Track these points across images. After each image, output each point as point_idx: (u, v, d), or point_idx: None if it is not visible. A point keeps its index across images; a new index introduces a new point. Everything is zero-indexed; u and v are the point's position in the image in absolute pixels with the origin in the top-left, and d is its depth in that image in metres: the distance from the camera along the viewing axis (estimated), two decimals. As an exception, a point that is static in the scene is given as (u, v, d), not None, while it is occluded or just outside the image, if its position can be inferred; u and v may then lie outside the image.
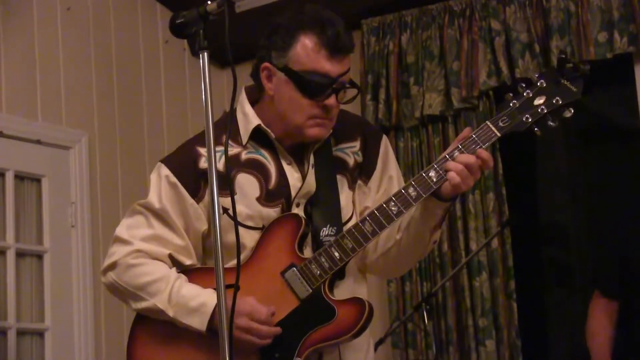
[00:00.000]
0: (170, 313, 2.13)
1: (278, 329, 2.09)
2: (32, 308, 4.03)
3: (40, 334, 4.03)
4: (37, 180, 4.13)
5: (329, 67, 2.09)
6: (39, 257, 4.09)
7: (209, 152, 1.82)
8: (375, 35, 4.46)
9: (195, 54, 1.90)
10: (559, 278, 4.41)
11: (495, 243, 4.09)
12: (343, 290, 2.16)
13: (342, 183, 2.22)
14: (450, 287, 4.17)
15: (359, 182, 2.24)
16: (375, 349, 3.64)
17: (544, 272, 4.44)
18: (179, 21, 1.90)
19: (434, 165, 2.07)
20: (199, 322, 2.10)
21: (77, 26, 4.37)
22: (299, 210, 2.17)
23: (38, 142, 4.11)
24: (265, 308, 2.08)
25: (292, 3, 4.56)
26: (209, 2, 1.86)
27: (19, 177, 4.07)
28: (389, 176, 2.28)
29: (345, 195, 2.21)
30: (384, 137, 2.32)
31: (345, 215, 2.20)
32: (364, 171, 2.25)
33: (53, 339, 4.03)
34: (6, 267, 3.93)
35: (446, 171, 2.04)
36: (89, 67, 4.40)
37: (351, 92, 2.18)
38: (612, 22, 3.94)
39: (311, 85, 2.09)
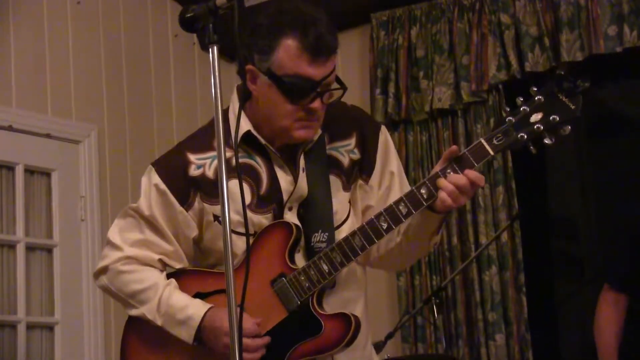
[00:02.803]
0: (159, 322, 2.15)
1: (266, 339, 2.09)
2: (42, 302, 4.05)
3: (50, 327, 4.05)
4: (46, 174, 4.14)
5: (312, 71, 2.03)
6: (49, 251, 4.10)
7: (218, 147, 1.80)
8: (385, 29, 4.46)
9: (204, 48, 1.91)
10: (569, 271, 4.40)
11: (504, 237, 4.09)
12: (334, 299, 2.15)
13: (336, 185, 2.18)
14: (459, 280, 4.17)
15: (360, 181, 2.21)
16: (385, 343, 3.65)
17: (553, 265, 4.43)
18: (188, 15, 1.89)
19: (425, 182, 2.02)
20: (187, 335, 2.11)
21: (86, 20, 4.38)
22: (291, 215, 2.15)
23: (48, 136, 4.12)
24: (251, 321, 2.07)
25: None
26: (219, -4, 1.86)
27: (29, 171, 4.08)
28: (389, 172, 2.23)
29: (339, 198, 2.18)
30: (383, 130, 2.26)
31: (338, 219, 2.17)
32: (363, 169, 2.21)
33: (63, 333, 4.05)
34: (16, 261, 3.95)
35: (437, 189, 2.00)
36: (99, 61, 4.41)
37: (336, 94, 2.12)
38: (622, 16, 3.93)
39: (294, 90, 2.04)
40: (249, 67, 2.10)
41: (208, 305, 2.12)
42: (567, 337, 4.33)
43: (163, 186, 2.19)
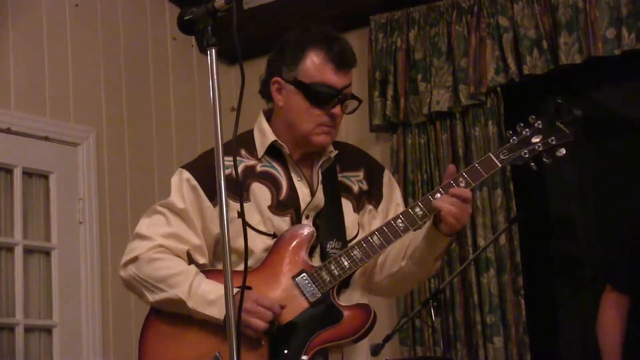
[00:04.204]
0: (190, 304, 2.24)
1: (278, 312, 2.20)
2: (40, 304, 4.04)
3: (48, 330, 4.04)
4: (45, 176, 4.14)
5: (335, 79, 2.29)
6: (47, 253, 4.10)
7: (217, 151, 1.86)
8: (383, 32, 4.46)
9: (203, 50, 1.94)
10: (568, 273, 4.40)
11: (503, 239, 4.09)
12: (346, 299, 2.31)
13: (347, 205, 2.38)
14: (458, 283, 4.17)
15: (369, 206, 2.41)
16: (383, 346, 3.64)
17: (552, 268, 4.43)
18: (187, 18, 1.92)
19: (439, 189, 2.25)
20: (217, 312, 2.20)
21: (85, 23, 4.38)
22: (308, 222, 2.33)
23: (46, 138, 4.12)
24: (272, 299, 2.21)
25: (298, 1, 4.60)
26: (217, -1, 1.87)
27: (27, 174, 4.08)
28: (396, 203, 2.46)
29: (350, 217, 2.37)
30: (386, 170, 2.51)
31: (350, 234, 2.36)
32: (372, 197, 2.42)
33: (61, 335, 4.04)
34: (14, 264, 3.94)
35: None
36: (97, 63, 4.41)
37: (352, 105, 2.37)
38: (621, 19, 3.93)
39: (319, 96, 2.28)
40: (276, 78, 2.33)
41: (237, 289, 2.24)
42: (565, 339, 4.33)
43: (194, 182, 2.34)
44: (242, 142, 2.33)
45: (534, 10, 4.12)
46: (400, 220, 2.25)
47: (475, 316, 4.12)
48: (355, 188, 2.40)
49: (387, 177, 2.49)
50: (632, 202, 3.61)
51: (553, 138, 2.25)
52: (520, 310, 4.07)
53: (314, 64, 2.29)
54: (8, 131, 3.98)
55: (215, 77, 1.86)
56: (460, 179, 2.24)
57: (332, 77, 2.29)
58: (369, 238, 2.25)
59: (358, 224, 2.39)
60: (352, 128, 4.61)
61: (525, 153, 2.26)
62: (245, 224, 1.96)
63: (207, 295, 2.23)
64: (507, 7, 4.17)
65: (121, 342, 4.17)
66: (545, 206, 4.43)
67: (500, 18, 4.19)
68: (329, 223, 2.33)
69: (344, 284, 2.31)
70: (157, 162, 4.55)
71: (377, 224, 2.36)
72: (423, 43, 4.37)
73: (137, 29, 4.65)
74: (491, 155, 2.27)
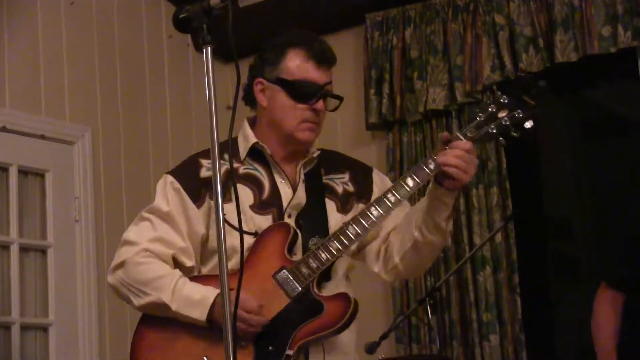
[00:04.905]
0: (174, 307, 2.27)
1: (266, 319, 2.23)
2: (36, 303, 4.04)
3: (44, 328, 4.04)
4: (40, 175, 4.14)
5: (317, 75, 2.34)
6: (43, 252, 4.10)
7: (212, 149, 1.86)
8: (379, 30, 4.46)
9: (199, 48, 1.94)
10: (563, 271, 4.41)
11: (499, 237, 4.09)
12: (329, 291, 2.32)
13: (330, 205, 2.40)
14: (454, 281, 4.18)
15: (360, 205, 2.40)
16: (379, 343, 3.65)
17: (547, 266, 4.44)
18: (182, 16, 1.92)
19: (432, 157, 2.25)
20: (199, 314, 2.24)
21: (80, 21, 4.37)
22: (290, 221, 2.35)
23: (42, 137, 4.12)
24: (254, 301, 2.23)
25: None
26: (213, -3, 1.87)
27: (23, 172, 4.07)
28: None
29: (333, 216, 2.38)
30: (375, 170, 2.53)
31: (332, 232, 2.35)
32: (362, 196, 2.43)
33: (57, 334, 4.04)
34: (10, 262, 3.94)
35: (439, 170, 2.22)
36: (93, 62, 4.40)
37: (334, 103, 2.40)
38: (617, 16, 3.93)
39: (302, 91, 2.33)
40: (258, 79, 2.38)
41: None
42: (561, 337, 4.33)
43: (177, 185, 2.39)
44: (226, 148, 2.33)
45: (529, 8, 4.12)
46: (373, 208, 2.26)
47: (471, 314, 4.12)
48: (340, 189, 2.42)
49: (377, 175, 2.51)
50: (628, 200, 3.61)
51: (519, 111, 2.23)
52: (516, 308, 4.07)
53: (296, 62, 2.34)
54: (4, 129, 3.97)
55: (210, 75, 1.85)
56: (430, 161, 2.24)
57: (313, 73, 2.33)
58: (345, 229, 2.26)
59: (343, 223, 2.37)
60: (348, 126, 4.61)
61: (492, 129, 2.25)
62: (241, 228, 1.98)
63: (190, 298, 2.26)
64: (503, 4, 4.17)
65: (117, 340, 4.17)
66: (541, 204, 4.44)
67: (496, 16, 4.19)
68: (312, 221, 2.34)
69: (326, 276, 2.32)
70: (153, 160, 4.55)
71: None
72: (419, 41, 4.37)
73: (133, 27, 4.64)
74: (458, 134, 2.26)
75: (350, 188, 2.43)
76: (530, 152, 4.43)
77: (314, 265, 2.26)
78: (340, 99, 2.40)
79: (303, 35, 2.40)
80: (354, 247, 2.37)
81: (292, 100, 2.33)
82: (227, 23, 1.85)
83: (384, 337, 3.75)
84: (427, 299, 3.79)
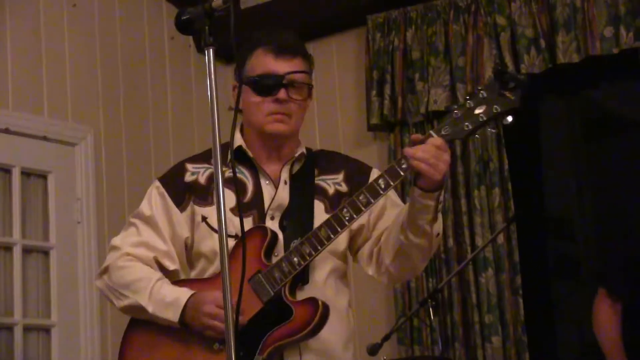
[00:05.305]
0: (150, 309, 2.30)
1: (244, 319, 2.22)
2: (38, 304, 4.04)
3: (46, 330, 4.04)
4: (43, 176, 4.14)
5: (277, 66, 2.32)
6: (45, 253, 4.10)
7: (215, 150, 1.86)
8: (381, 31, 4.46)
9: (200, 50, 1.95)
10: (566, 273, 4.40)
11: (501, 239, 4.09)
12: (306, 295, 2.28)
13: (319, 207, 2.37)
14: (456, 283, 4.17)
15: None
16: (381, 345, 3.65)
17: (550, 267, 4.43)
18: (184, 17, 1.93)
19: (383, 174, 2.22)
20: (173, 315, 2.26)
21: (82, 22, 4.38)
22: (273, 223, 2.33)
23: (44, 138, 4.12)
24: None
25: (295, 0, 4.60)
26: (215, -1, 1.88)
27: (25, 174, 4.08)
28: (384, 196, 2.33)
29: (320, 218, 2.33)
30: (374, 169, 2.47)
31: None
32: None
33: (59, 335, 4.04)
34: (13, 263, 3.94)
35: (408, 165, 2.17)
36: (95, 63, 4.41)
37: (302, 90, 2.35)
38: (619, 17, 3.93)
39: (263, 85, 2.31)
40: (234, 83, 2.41)
41: (195, 291, 2.30)
42: (563, 339, 4.33)
43: (162, 189, 2.42)
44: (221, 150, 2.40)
45: (531, 9, 4.12)
46: (345, 210, 2.22)
47: (473, 316, 4.12)
48: (331, 190, 2.39)
49: (376, 174, 2.42)
50: (630, 202, 3.61)
51: (497, 106, 2.16)
52: (518, 310, 4.07)
53: (257, 59, 2.34)
54: (6, 131, 3.97)
55: (212, 76, 1.86)
56: (403, 161, 2.19)
57: (272, 64, 2.31)
58: (317, 231, 2.23)
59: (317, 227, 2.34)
60: (349, 127, 4.62)
61: (467, 126, 2.17)
62: (222, 229, 1.94)
63: (164, 300, 2.28)
64: (504, 5, 4.17)
65: (119, 341, 4.15)
66: (543, 206, 4.43)
67: (497, 17, 4.18)
68: (297, 222, 2.32)
69: (303, 280, 2.29)
70: (155, 162, 4.55)
71: (361, 220, 2.32)
72: (420, 42, 4.37)
73: (135, 28, 4.64)
74: (432, 132, 2.19)
75: (343, 188, 2.39)
76: (533, 153, 4.43)
77: (286, 269, 2.24)
78: (308, 84, 2.36)
79: (267, 32, 2.39)
80: (328, 248, 2.30)
81: (257, 96, 2.32)
82: (229, 24, 1.85)
83: (386, 338, 3.75)
84: (429, 300, 3.79)
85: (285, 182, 2.37)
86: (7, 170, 4.01)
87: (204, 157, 2.42)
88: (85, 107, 4.32)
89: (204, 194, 2.36)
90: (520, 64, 4.10)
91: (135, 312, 2.35)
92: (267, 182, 2.37)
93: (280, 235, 2.31)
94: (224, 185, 2.29)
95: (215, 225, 2.26)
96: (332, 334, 2.29)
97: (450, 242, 4.20)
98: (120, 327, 4.27)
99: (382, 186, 2.21)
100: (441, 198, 2.22)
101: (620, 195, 4.12)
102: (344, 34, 4.67)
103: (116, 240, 2.45)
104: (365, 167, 2.48)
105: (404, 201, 2.51)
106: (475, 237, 4.15)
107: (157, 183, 2.45)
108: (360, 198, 2.21)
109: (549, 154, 4.43)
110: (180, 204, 2.37)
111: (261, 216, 2.33)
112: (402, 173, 2.19)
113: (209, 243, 2.33)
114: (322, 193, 2.38)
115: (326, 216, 2.32)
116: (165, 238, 2.38)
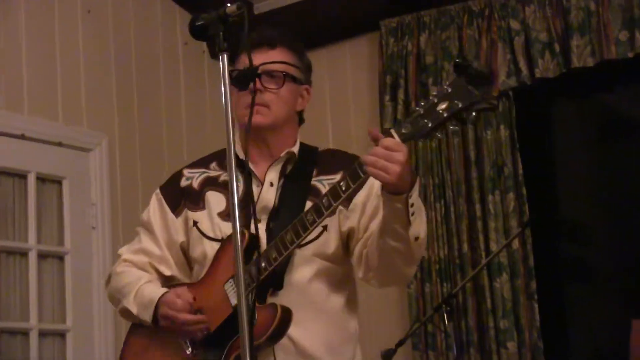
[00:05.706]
0: (134, 311, 2.34)
1: (196, 317, 2.22)
2: (53, 309, 4.06)
3: (61, 334, 4.06)
4: (58, 182, 4.16)
5: (254, 60, 2.23)
6: (60, 258, 4.12)
7: (229, 155, 1.85)
8: (394, 36, 4.46)
9: (214, 56, 1.95)
10: (581, 277, 4.38)
11: (515, 244, 4.07)
12: (278, 300, 2.22)
13: None
14: (470, 288, 4.16)
15: (340, 207, 2.25)
16: (395, 351, 3.65)
17: (565, 272, 4.41)
18: (198, 23, 1.92)
19: (345, 176, 2.11)
20: (148, 316, 2.29)
21: (97, 29, 4.40)
22: (260, 226, 2.27)
23: (59, 144, 4.14)
24: (184, 299, 2.24)
25: (309, 3, 4.61)
26: (229, 5, 1.88)
27: (41, 179, 4.09)
28: (377, 195, 2.25)
29: None
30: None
31: (308, 237, 2.22)
32: (350, 197, 2.24)
33: (74, 340, 4.05)
34: (28, 269, 3.96)
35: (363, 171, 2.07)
36: (109, 69, 4.42)
37: (277, 78, 2.30)
38: (633, 21, 3.92)
39: (239, 79, 2.21)
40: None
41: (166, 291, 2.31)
42: (579, 344, 4.31)
43: (160, 195, 2.46)
44: (216, 156, 2.42)
45: (545, 13, 4.11)
46: (309, 214, 2.13)
47: (488, 321, 4.10)
48: (325, 191, 2.25)
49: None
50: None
51: (457, 101, 2.00)
52: (533, 315, 4.05)
53: (240, 59, 2.32)
54: (22, 137, 3.99)
55: (226, 82, 1.86)
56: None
57: (246, 59, 2.19)
58: (283, 236, 2.17)
59: (322, 227, 2.27)
60: (362, 132, 4.60)
61: (426, 122, 2.01)
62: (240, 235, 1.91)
63: (143, 300, 2.31)
64: (518, 10, 4.16)
65: (134, 346, 4.17)
66: (558, 210, 4.41)
67: (511, 21, 4.18)
68: (283, 225, 2.22)
69: (277, 285, 2.23)
70: (169, 167, 4.55)
71: (352, 222, 2.28)
72: (434, 47, 4.36)
73: (149, 34, 4.66)
74: (392, 131, 2.05)
75: None
76: (547, 158, 4.41)
77: (254, 273, 2.17)
78: (284, 75, 2.29)
79: (251, 33, 2.32)
80: (312, 250, 2.25)
81: (237, 92, 2.26)
82: (243, 30, 1.85)
83: (400, 344, 3.74)
84: (444, 305, 3.78)
85: (272, 184, 2.32)
86: (22, 176, 4.02)
87: (202, 162, 2.45)
88: (99, 113, 4.34)
89: (196, 198, 2.37)
90: (535, 68, 4.09)
91: (128, 316, 2.39)
92: (258, 184, 2.32)
93: (264, 238, 2.24)
94: (216, 189, 2.35)
95: (206, 231, 2.33)
96: (314, 337, 2.24)
97: (465, 247, 4.19)
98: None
99: (344, 188, 2.09)
100: (412, 200, 2.09)
101: (636, 199, 4.09)
102: (358, 39, 4.67)
103: (121, 249, 2.51)
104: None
105: None
106: (490, 242, 4.14)
107: (157, 190, 2.49)
108: (323, 201, 2.12)
109: (563, 158, 4.41)
110: (175, 210, 2.40)
111: (248, 219, 2.21)
112: (362, 175, 2.07)
113: (199, 247, 2.34)
114: (315, 194, 2.28)
115: None
116: (161, 244, 2.41)
